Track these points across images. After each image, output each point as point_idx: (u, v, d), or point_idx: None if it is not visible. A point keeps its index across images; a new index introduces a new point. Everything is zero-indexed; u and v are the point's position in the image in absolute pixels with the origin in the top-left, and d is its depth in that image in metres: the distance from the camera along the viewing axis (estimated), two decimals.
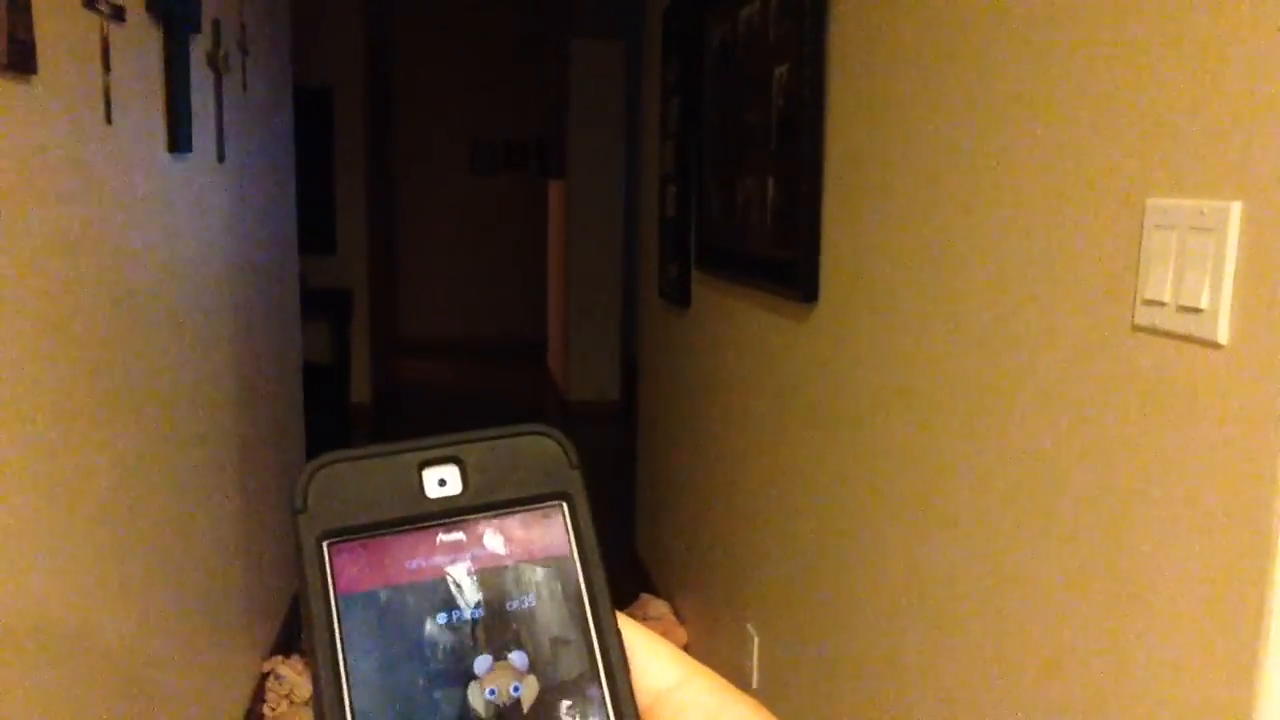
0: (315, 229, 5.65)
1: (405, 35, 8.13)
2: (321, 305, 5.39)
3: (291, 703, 2.68)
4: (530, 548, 0.28)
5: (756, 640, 2.26)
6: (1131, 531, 1.00)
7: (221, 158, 2.38)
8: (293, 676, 2.74)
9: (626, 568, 3.66)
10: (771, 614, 2.18)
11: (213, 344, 2.32)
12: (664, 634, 3.03)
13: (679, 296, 2.91)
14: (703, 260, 2.64)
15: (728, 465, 2.52)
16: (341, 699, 0.26)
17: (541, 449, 0.29)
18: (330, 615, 0.26)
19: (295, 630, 3.00)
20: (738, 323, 2.40)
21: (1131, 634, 1.00)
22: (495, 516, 0.28)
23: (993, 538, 1.26)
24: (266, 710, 2.64)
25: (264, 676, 2.75)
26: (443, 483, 0.28)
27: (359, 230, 6.18)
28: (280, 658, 2.83)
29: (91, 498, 1.54)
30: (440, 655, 0.27)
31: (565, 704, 0.27)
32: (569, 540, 0.29)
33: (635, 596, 3.23)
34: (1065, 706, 1.11)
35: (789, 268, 1.92)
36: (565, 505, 0.29)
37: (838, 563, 1.80)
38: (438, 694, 0.26)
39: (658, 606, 3.12)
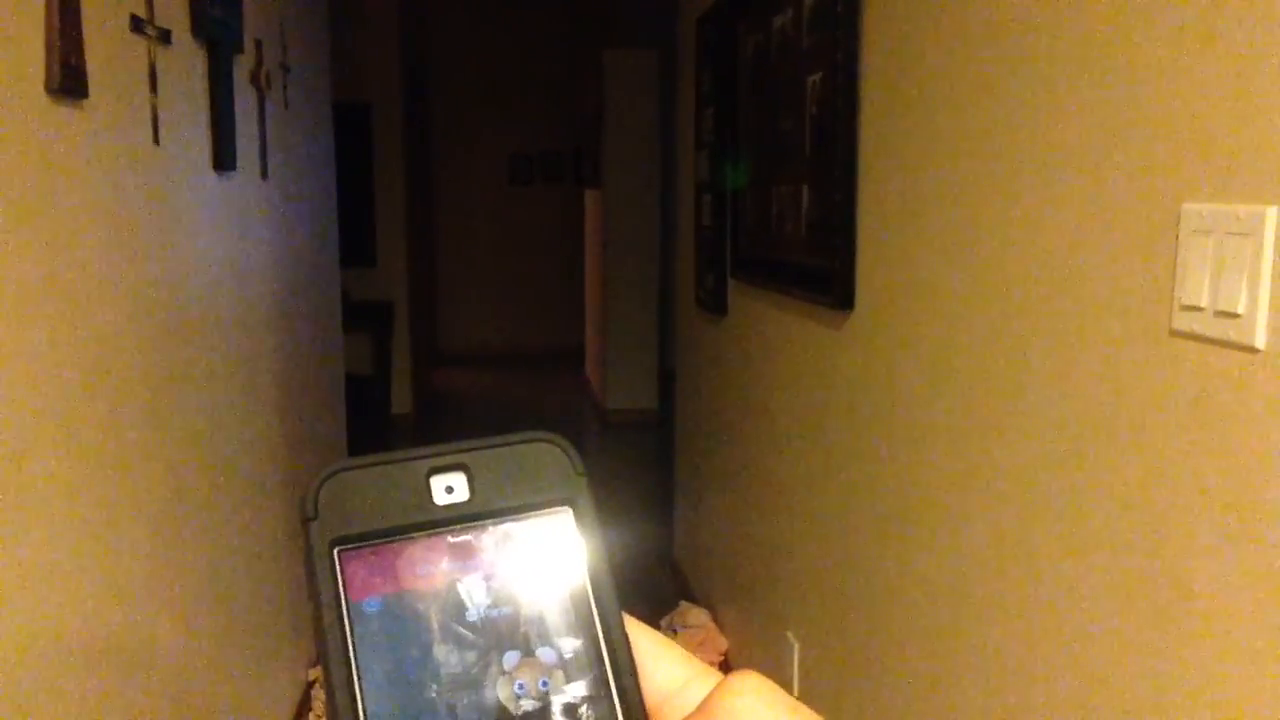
0: (356, 242, 5.73)
1: (441, 50, 8.22)
2: (363, 317, 5.45)
3: None
4: (537, 553, 0.29)
5: (797, 648, 2.26)
6: (1172, 536, 0.99)
7: (265, 174, 2.43)
8: None
9: (665, 576, 3.67)
10: (812, 621, 2.18)
11: (258, 357, 2.36)
12: (704, 642, 3.02)
13: (716, 305, 2.91)
14: (739, 269, 2.65)
15: (766, 473, 2.52)
16: (355, 706, 0.26)
17: (547, 456, 0.30)
18: (342, 622, 0.27)
19: None
20: (774, 331, 2.40)
21: (1172, 640, 0.99)
22: (502, 522, 0.29)
23: (1032, 543, 1.26)
24: (311, 719, 2.68)
25: (309, 686, 2.79)
26: (450, 489, 0.29)
27: (398, 243, 6.25)
28: None
29: (140, 510, 1.58)
30: (451, 659, 0.27)
31: (574, 706, 0.27)
32: (576, 545, 0.29)
33: (674, 604, 3.23)
34: (1108, 711, 1.10)
35: (824, 275, 1.92)
36: (571, 511, 0.30)
37: (877, 569, 1.80)
38: (452, 698, 0.27)
39: (697, 615, 3.12)
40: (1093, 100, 1.11)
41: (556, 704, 0.28)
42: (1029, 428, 1.26)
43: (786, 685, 2.29)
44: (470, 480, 0.29)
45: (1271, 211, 0.85)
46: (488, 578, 0.28)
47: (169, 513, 1.70)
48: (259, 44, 2.38)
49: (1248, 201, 0.88)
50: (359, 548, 0.28)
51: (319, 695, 2.75)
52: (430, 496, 0.29)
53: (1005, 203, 1.31)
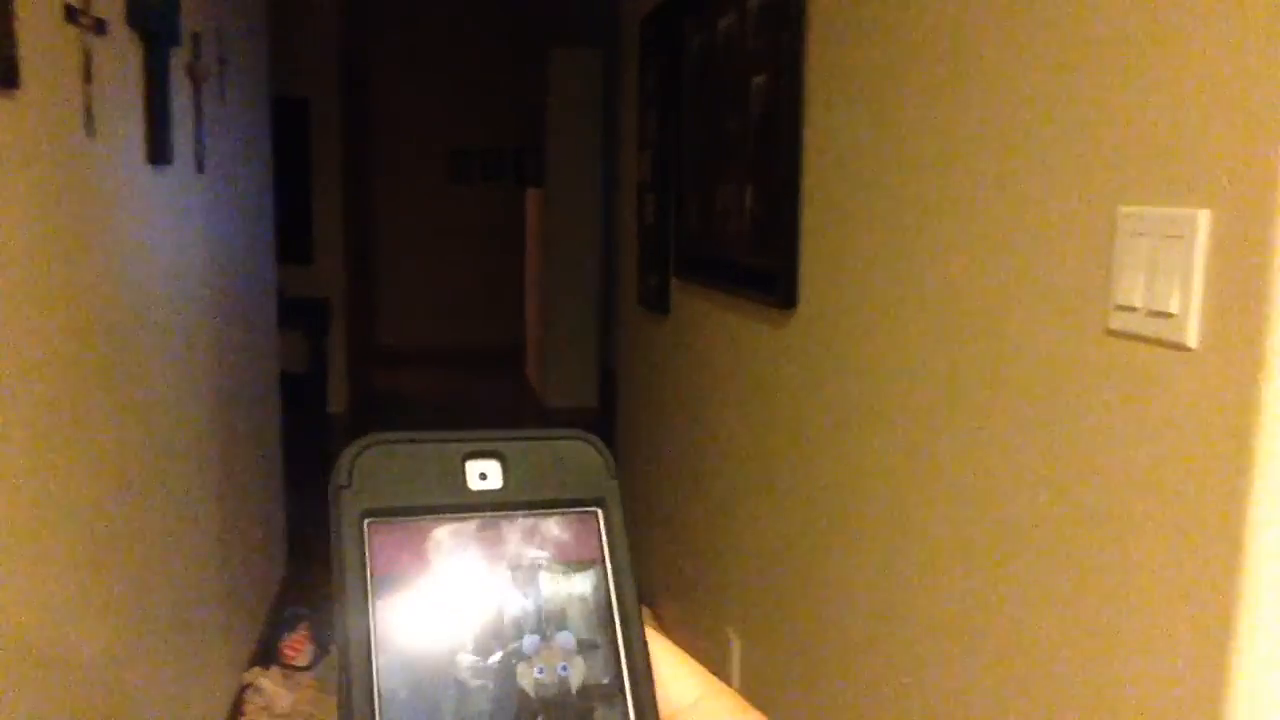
0: (292, 238, 5.63)
1: (381, 45, 8.12)
2: (298, 315, 5.37)
3: (271, 715, 2.67)
4: (564, 550, 0.29)
5: (738, 646, 2.28)
6: (1106, 531, 1.02)
7: (201, 168, 2.38)
8: (271, 688, 2.73)
9: None
10: (752, 620, 2.20)
11: (191, 354, 2.31)
12: None
13: (658, 304, 2.92)
14: (682, 268, 2.66)
15: (707, 471, 2.53)
16: (370, 677, 0.26)
17: (582, 454, 0.30)
18: (366, 594, 0.27)
19: (273, 642, 2.98)
20: (717, 330, 2.42)
21: (1106, 631, 1.02)
22: (533, 515, 0.29)
23: (972, 539, 1.29)
24: None
25: (242, 689, 2.74)
26: (484, 476, 0.29)
27: (335, 239, 6.17)
28: (259, 669, 2.81)
29: (69, 508, 1.54)
30: (470, 642, 0.27)
31: (587, 705, 0.27)
32: (602, 547, 0.29)
33: None
34: (1046, 705, 1.13)
35: (768, 275, 1.94)
36: (601, 512, 0.30)
37: (818, 567, 1.82)
38: (468, 679, 0.27)
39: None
40: (1032, 105, 1.14)
41: (575, 690, 0.27)
42: (969, 425, 1.29)
43: (726, 683, 2.31)
44: (505, 469, 0.29)
45: (1203, 214, 0.87)
46: (513, 567, 0.28)
47: (98, 514, 1.66)
48: (196, 36, 2.33)
49: (1181, 205, 0.91)
50: (388, 521, 0.28)
51: (252, 698, 2.70)
52: (464, 480, 0.29)
53: (946, 203, 1.34)
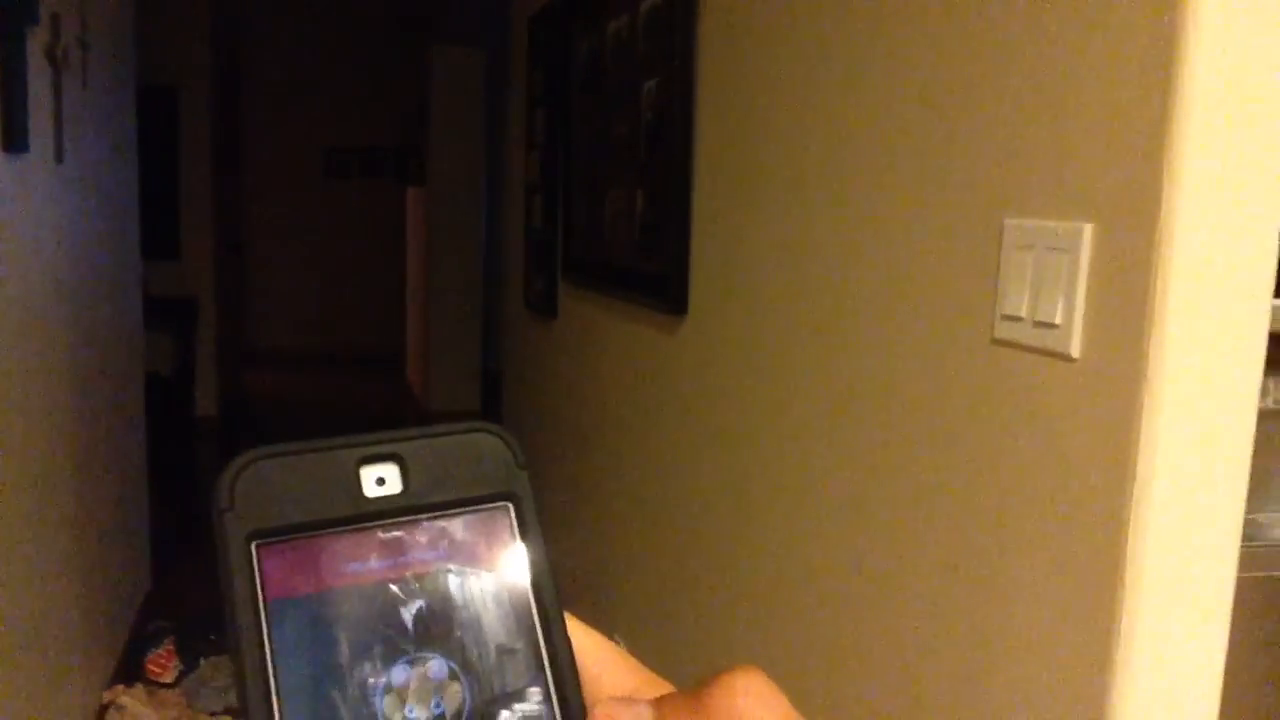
0: (158, 233, 5.38)
1: (255, 35, 7.85)
2: (164, 314, 5.13)
3: None
4: (475, 551, 0.27)
5: (622, 649, 2.27)
6: (990, 536, 1.04)
7: (60, 157, 2.24)
8: (135, 707, 2.59)
9: None
10: (639, 623, 2.19)
11: (47, 355, 2.18)
12: None
13: (546, 307, 2.90)
14: (570, 271, 2.64)
15: (596, 475, 2.52)
16: (270, 713, 0.24)
17: (485, 447, 0.28)
18: (259, 622, 0.25)
19: (135, 658, 2.83)
20: (606, 334, 2.41)
21: (989, 635, 1.04)
22: (438, 518, 0.27)
23: (856, 543, 1.31)
24: None
25: (103, 708, 2.60)
26: (381, 481, 0.27)
27: (204, 236, 5.92)
28: (121, 687, 2.67)
29: None
30: (373, 664, 0.25)
31: (508, 715, 0.26)
32: (515, 543, 0.28)
33: None
34: (931, 704, 1.15)
35: (658, 280, 1.94)
36: (511, 507, 0.28)
37: (705, 571, 1.82)
38: (365, 707, 0.25)
39: None
40: (920, 116, 1.16)
41: (475, 715, 0.26)
42: (858, 431, 1.31)
43: None
44: (404, 471, 0.27)
45: (1087, 228, 0.90)
46: (420, 576, 0.26)
47: None
48: (55, 17, 2.19)
49: (1065, 218, 0.93)
50: (279, 542, 0.26)
51: (114, 717, 2.56)
52: (360, 488, 0.27)
53: (836, 212, 1.36)
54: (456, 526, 0.27)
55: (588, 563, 2.59)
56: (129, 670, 2.81)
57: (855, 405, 1.31)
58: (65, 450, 2.31)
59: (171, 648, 2.82)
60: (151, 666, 2.79)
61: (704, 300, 1.81)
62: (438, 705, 0.25)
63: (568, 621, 0.27)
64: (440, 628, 0.26)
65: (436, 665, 0.26)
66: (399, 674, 0.25)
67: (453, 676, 0.26)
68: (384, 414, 6.53)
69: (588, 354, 2.57)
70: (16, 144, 1.87)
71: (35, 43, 2.04)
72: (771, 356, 1.55)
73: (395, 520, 0.27)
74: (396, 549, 0.26)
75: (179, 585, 3.48)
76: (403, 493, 0.27)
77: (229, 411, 6.23)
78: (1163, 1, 0.83)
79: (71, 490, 2.37)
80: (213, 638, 2.86)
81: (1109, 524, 0.89)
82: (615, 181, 2.23)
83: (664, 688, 0.28)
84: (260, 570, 0.25)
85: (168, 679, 2.77)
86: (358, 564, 0.26)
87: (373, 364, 7.98)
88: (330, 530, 0.26)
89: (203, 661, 2.78)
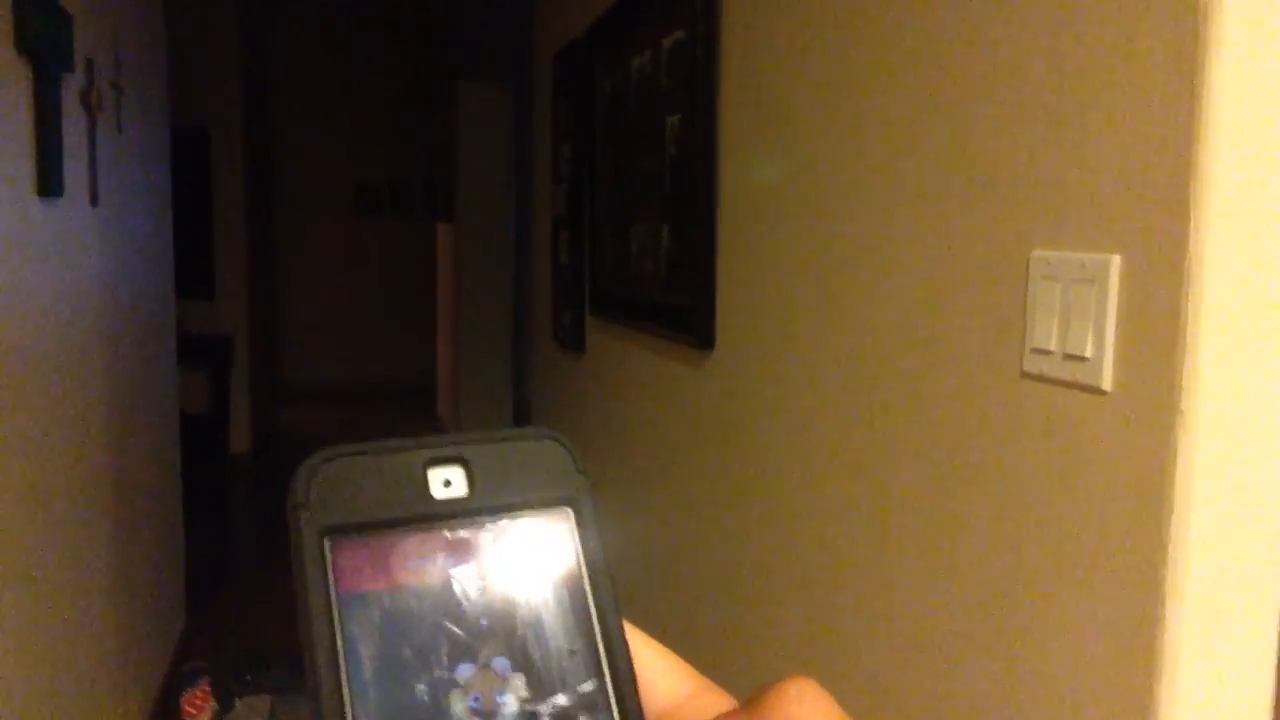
0: (193, 273, 5.46)
1: (285, 75, 7.99)
2: (199, 352, 5.20)
3: None
4: (535, 553, 0.28)
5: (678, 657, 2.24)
6: (1023, 573, 1.02)
7: (95, 201, 2.28)
8: None
9: None
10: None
11: (85, 396, 2.20)
12: None
13: (573, 341, 2.90)
14: (597, 305, 2.65)
15: (624, 508, 2.51)
16: (342, 703, 0.25)
17: (548, 453, 0.29)
18: (331, 615, 0.25)
19: (170, 697, 2.84)
20: (633, 368, 2.41)
21: (1022, 673, 1.02)
22: (501, 520, 0.28)
23: (886, 578, 1.29)
24: None
25: None
26: (448, 483, 0.28)
27: (238, 274, 6.00)
28: None
29: None
30: (438, 660, 0.26)
31: (569, 715, 0.26)
32: (575, 547, 0.28)
33: None
34: None
35: (684, 314, 1.94)
36: (572, 511, 0.28)
37: (735, 603, 1.80)
38: (430, 700, 0.26)
39: None
40: (946, 148, 1.15)
41: (534, 715, 0.26)
42: (886, 465, 1.29)
43: None
44: (469, 474, 0.28)
45: (1116, 259, 0.89)
46: (483, 576, 0.27)
47: None
48: (90, 63, 2.24)
49: (1093, 250, 0.92)
50: (350, 539, 0.26)
51: None
52: (427, 489, 0.27)
53: (862, 245, 1.35)
54: (519, 529, 0.28)
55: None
56: (164, 710, 2.82)
57: (884, 438, 1.30)
58: (103, 489, 2.34)
59: (207, 688, 2.83)
60: (187, 707, 2.79)
61: (731, 334, 1.80)
62: (501, 702, 0.26)
63: (625, 627, 0.28)
64: (503, 627, 0.27)
65: (500, 663, 0.26)
66: (464, 671, 0.26)
67: (515, 674, 0.26)
68: None
69: (616, 388, 2.57)
70: (52, 189, 1.90)
71: (70, 89, 2.09)
72: (799, 389, 1.54)
73: (460, 521, 0.27)
74: (462, 549, 0.27)
75: (214, 623, 3.50)
76: (468, 495, 0.28)
77: (262, 448, 6.28)
78: (1187, 31, 0.82)
79: (109, 529, 2.39)
80: (248, 678, 2.87)
81: (1146, 558, 0.87)
82: (641, 215, 2.24)
83: (719, 694, 0.28)
84: (332, 564, 0.26)
85: (203, 719, 2.78)
86: (425, 562, 0.27)
87: (404, 398, 8.02)
88: (399, 529, 0.27)
89: (238, 702, 2.78)
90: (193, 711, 2.78)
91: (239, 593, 3.99)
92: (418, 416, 7.51)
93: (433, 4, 7.30)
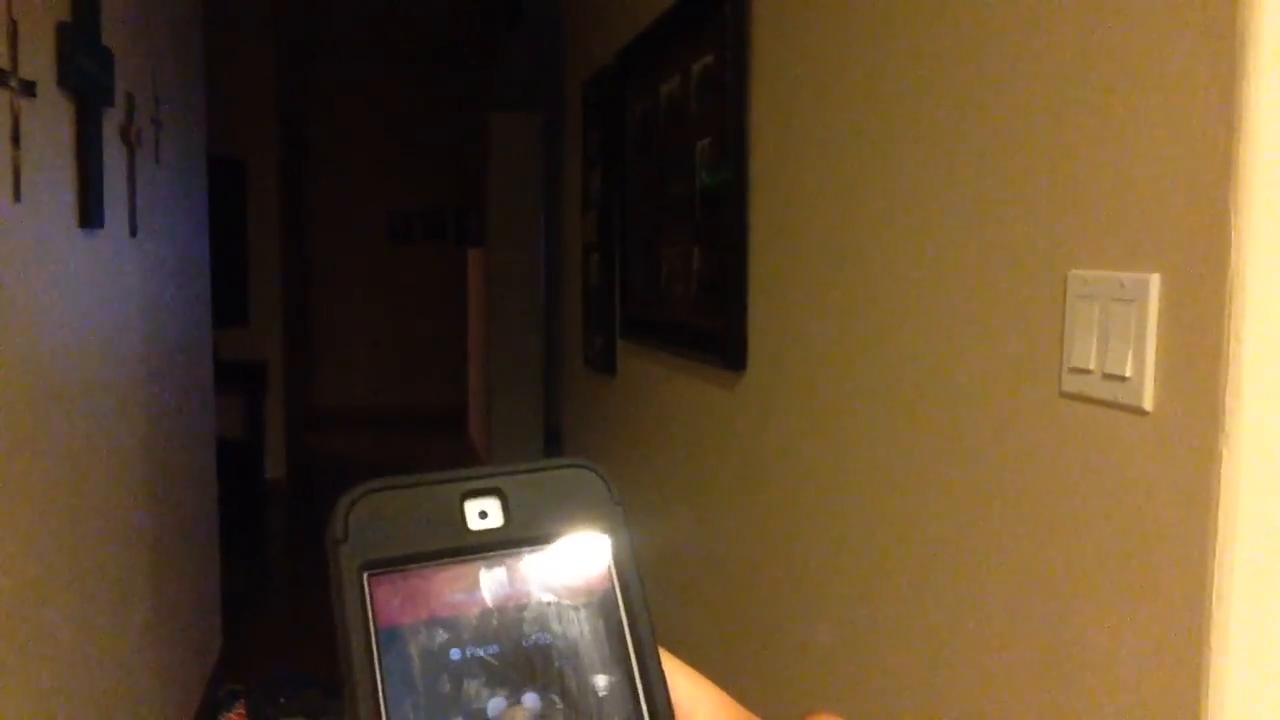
0: (228, 301, 5.53)
1: (319, 104, 8.10)
2: (234, 378, 5.25)
3: None
4: (573, 583, 0.28)
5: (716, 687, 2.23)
6: (1064, 596, 1.01)
7: (134, 232, 2.32)
8: None
9: None
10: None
11: (124, 423, 2.23)
12: None
13: (605, 365, 2.91)
14: (628, 329, 2.65)
15: (655, 530, 2.50)
16: None
17: (583, 483, 0.29)
18: (370, 649, 0.26)
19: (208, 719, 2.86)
20: (666, 391, 2.41)
21: (1070, 701, 1.01)
22: (537, 550, 0.28)
23: (925, 603, 1.27)
24: None
25: None
26: (484, 515, 0.28)
27: (273, 301, 6.07)
28: None
29: None
30: (478, 693, 0.26)
31: None
32: (611, 577, 0.28)
33: None
34: None
35: (716, 336, 1.94)
36: (608, 541, 0.29)
37: (765, 626, 1.79)
38: None
39: None
40: (980, 168, 1.15)
41: None
42: (922, 487, 1.28)
43: None
44: (505, 505, 0.28)
45: (1154, 278, 0.88)
46: (521, 607, 0.27)
47: (24, 589, 1.58)
48: (130, 97, 2.29)
49: (1131, 269, 0.91)
50: (389, 572, 0.27)
51: None
52: (464, 521, 0.28)
53: (896, 266, 1.34)
54: (555, 559, 0.28)
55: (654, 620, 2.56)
56: None
57: (919, 459, 1.29)
58: (142, 515, 2.36)
59: (243, 711, 2.84)
60: None
61: (762, 355, 1.80)
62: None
63: (662, 657, 0.28)
64: (540, 659, 0.27)
65: (537, 696, 0.26)
66: (500, 704, 0.26)
67: (552, 707, 0.26)
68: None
69: (647, 411, 2.56)
70: (93, 220, 1.94)
71: (111, 123, 2.13)
72: (832, 411, 1.54)
73: (497, 553, 0.28)
74: (498, 581, 0.27)
75: (250, 647, 3.52)
76: (504, 526, 0.28)
77: (297, 473, 6.33)
78: (1225, 45, 0.82)
79: (148, 554, 2.42)
80: (282, 700, 2.88)
81: (1188, 584, 0.85)
82: (671, 239, 2.24)
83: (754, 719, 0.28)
84: (372, 599, 0.26)
85: None
86: (462, 595, 0.27)
87: (436, 423, 8.06)
88: (437, 562, 0.27)
89: None
90: None
91: (274, 617, 4.01)
92: (449, 440, 7.54)
93: (465, 36, 7.39)
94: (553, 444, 5.47)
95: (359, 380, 8.47)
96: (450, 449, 7.33)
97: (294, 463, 6.34)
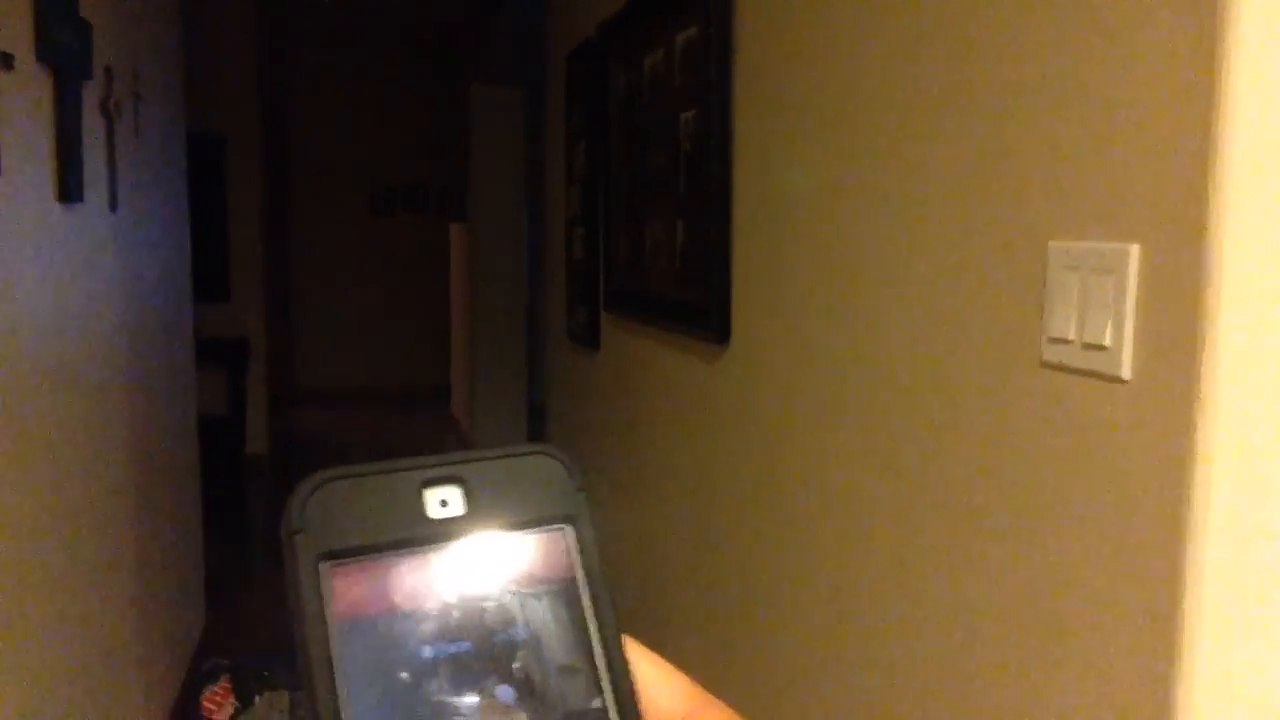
0: (209, 276, 5.50)
1: (300, 78, 8.02)
2: (215, 355, 5.23)
3: None
4: (534, 571, 0.28)
5: (679, 670, 2.25)
6: (1042, 562, 1.03)
7: (114, 206, 2.30)
8: None
9: None
10: (683, 652, 2.18)
11: (105, 398, 2.22)
12: None
13: (588, 339, 2.91)
14: (612, 302, 2.66)
15: (641, 506, 2.51)
16: None
17: (545, 469, 0.29)
18: (327, 641, 0.25)
19: (193, 695, 2.86)
20: (649, 364, 2.41)
21: (1043, 662, 1.03)
22: (498, 538, 0.28)
23: (904, 572, 1.29)
24: None
25: None
26: (444, 503, 0.27)
27: (254, 276, 6.04)
28: None
29: None
30: (439, 685, 0.26)
31: None
32: (574, 564, 0.28)
33: None
34: None
35: (700, 309, 1.94)
36: (570, 528, 0.28)
37: (749, 601, 1.81)
38: None
39: None
40: (961, 139, 1.16)
41: None
42: (904, 458, 1.30)
43: None
44: (466, 493, 0.28)
45: (1134, 248, 0.89)
46: (483, 597, 0.27)
47: (8, 567, 1.58)
48: (109, 71, 2.26)
49: (1111, 240, 0.92)
50: (347, 563, 0.26)
51: None
52: (423, 509, 0.27)
53: (879, 238, 1.35)
54: (517, 547, 0.28)
55: (630, 592, 2.58)
56: (185, 708, 2.84)
57: (901, 430, 1.30)
58: (124, 489, 2.36)
59: (227, 685, 2.85)
60: (207, 704, 2.81)
61: (746, 329, 1.81)
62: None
63: (625, 643, 0.28)
64: (503, 648, 0.26)
65: (500, 686, 0.26)
66: (464, 694, 0.26)
67: (517, 697, 0.26)
68: (431, 447, 6.57)
69: (631, 384, 2.57)
70: (72, 195, 1.92)
71: (90, 96, 2.11)
72: (815, 384, 1.55)
73: (458, 541, 0.27)
74: (459, 569, 0.27)
75: (233, 622, 3.52)
76: (465, 514, 0.27)
77: (279, 449, 6.32)
78: (1206, 16, 0.82)
79: (131, 529, 2.41)
80: (266, 674, 2.89)
81: (1165, 552, 0.87)
82: (655, 212, 2.24)
83: (720, 708, 0.28)
84: (330, 589, 0.26)
85: (223, 716, 2.80)
86: (423, 585, 0.26)
87: (419, 398, 8.05)
88: (396, 551, 0.27)
89: (258, 699, 2.80)
90: (213, 708, 2.80)
91: (257, 591, 4.02)
92: (432, 416, 7.53)
93: (446, 9, 7.32)
94: (536, 419, 5.48)
95: (341, 356, 8.44)
96: (433, 424, 7.33)
97: (276, 439, 6.32)
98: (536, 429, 5.51)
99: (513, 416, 6.28)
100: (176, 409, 3.13)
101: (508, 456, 0.29)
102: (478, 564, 0.27)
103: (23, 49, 1.69)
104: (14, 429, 1.62)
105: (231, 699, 2.83)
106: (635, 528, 2.57)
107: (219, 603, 3.58)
